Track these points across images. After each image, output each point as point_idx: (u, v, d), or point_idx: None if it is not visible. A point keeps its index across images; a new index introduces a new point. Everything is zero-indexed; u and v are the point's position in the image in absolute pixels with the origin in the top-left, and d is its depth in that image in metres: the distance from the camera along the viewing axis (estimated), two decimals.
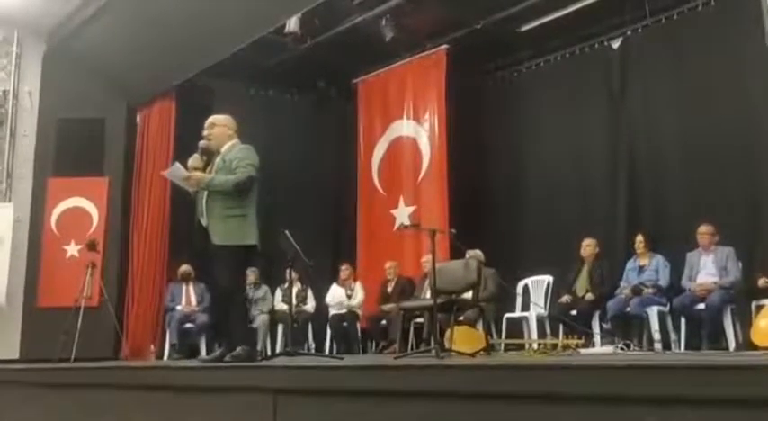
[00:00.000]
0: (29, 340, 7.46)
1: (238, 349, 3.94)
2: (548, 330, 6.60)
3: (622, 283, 6.31)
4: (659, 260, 6.23)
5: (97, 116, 8.10)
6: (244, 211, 4.06)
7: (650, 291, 6.04)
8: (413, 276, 7.53)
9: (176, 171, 4.13)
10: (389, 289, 7.58)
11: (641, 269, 6.28)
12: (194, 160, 4.18)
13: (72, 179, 7.98)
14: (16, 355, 7.34)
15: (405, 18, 7.49)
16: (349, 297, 7.79)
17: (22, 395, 4.23)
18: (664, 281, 6.13)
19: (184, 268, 7.61)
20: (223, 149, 4.20)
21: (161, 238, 8.06)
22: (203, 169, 4.17)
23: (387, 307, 7.27)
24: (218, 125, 4.27)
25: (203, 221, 4.08)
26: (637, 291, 6.08)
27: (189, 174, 4.10)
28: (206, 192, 4.08)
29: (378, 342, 7.35)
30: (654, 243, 6.34)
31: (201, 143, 4.24)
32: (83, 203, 8.05)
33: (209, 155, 4.23)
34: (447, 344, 4.72)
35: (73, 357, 6.53)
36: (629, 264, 6.39)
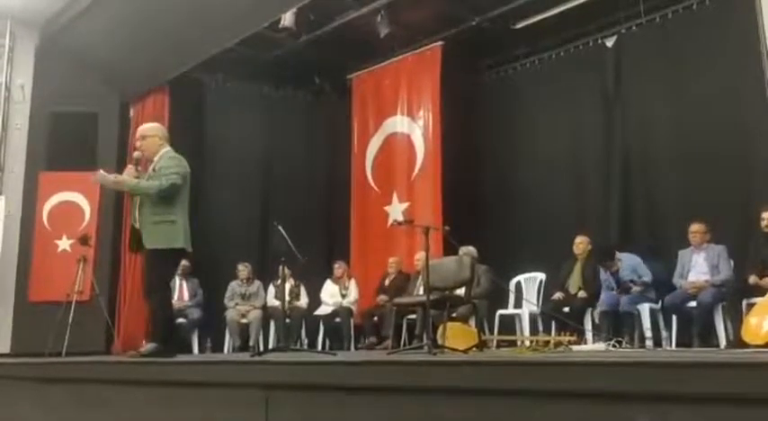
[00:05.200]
0: (20, 334, 7.40)
1: (148, 346, 4.26)
2: (540, 327, 6.62)
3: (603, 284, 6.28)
4: (627, 258, 6.19)
5: (90, 110, 8.03)
6: (172, 217, 4.32)
7: (638, 288, 6.06)
8: (407, 272, 7.53)
9: (103, 177, 4.46)
10: (387, 282, 7.58)
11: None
12: (129, 171, 4.49)
13: (64, 173, 7.90)
14: (7, 350, 7.31)
15: (400, 14, 7.49)
16: (343, 296, 7.78)
17: (12, 389, 4.22)
18: (647, 276, 6.10)
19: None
20: (155, 158, 4.48)
21: None
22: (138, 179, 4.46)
23: (381, 298, 7.30)
24: (149, 136, 4.55)
25: (136, 225, 4.36)
26: (625, 288, 6.10)
27: (116, 178, 4.44)
28: (138, 200, 4.37)
29: (368, 337, 7.33)
30: (625, 244, 6.40)
31: (135, 154, 4.56)
32: (75, 198, 7.99)
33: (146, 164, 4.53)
34: (440, 341, 4.73)
35: (64, 352, 6.50)
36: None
